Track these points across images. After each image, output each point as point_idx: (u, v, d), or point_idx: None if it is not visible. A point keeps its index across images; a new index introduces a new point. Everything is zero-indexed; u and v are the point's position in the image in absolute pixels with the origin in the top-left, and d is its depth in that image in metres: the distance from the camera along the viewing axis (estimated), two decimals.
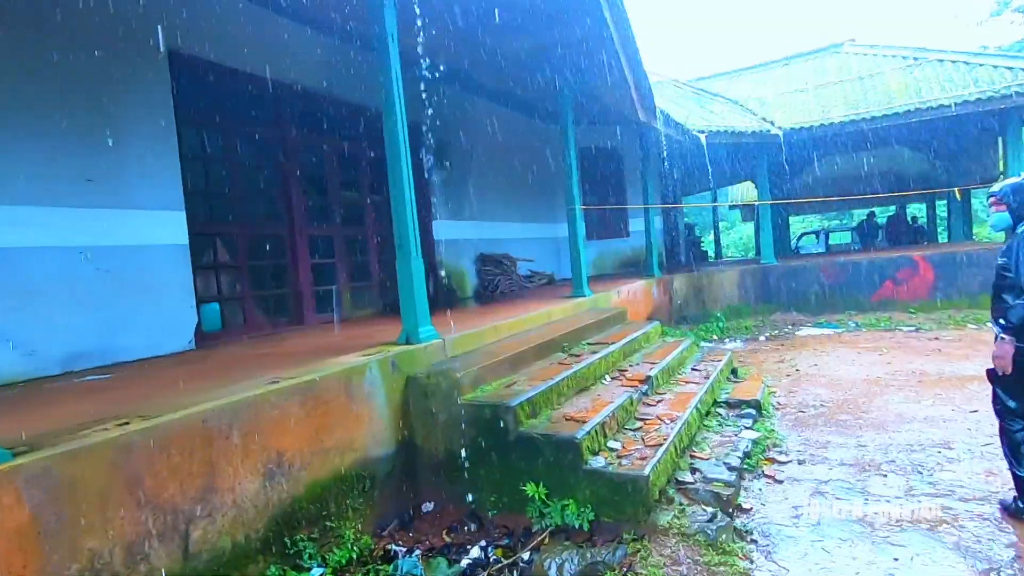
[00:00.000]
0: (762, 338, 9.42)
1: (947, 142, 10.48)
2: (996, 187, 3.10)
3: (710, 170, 10.47)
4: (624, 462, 3.28)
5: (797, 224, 31.38)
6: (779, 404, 5.35)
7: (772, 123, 10.15)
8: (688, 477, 3.48)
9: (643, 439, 3.62)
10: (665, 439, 3.56)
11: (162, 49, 4.60)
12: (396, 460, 3.55)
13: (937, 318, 9.22)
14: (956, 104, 8.91)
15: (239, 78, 5.26)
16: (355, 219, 6.77)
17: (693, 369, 5.55)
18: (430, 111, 7.91)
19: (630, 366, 5.10)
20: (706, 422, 4.47)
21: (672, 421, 3.90)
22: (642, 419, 3.99)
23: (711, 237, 20.37)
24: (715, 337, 9.67)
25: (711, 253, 18.39)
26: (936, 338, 8.04)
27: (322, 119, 6.32)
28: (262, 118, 5.66)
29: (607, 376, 4.76)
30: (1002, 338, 2.90)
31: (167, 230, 4.58)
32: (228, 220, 5.35)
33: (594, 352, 4.95)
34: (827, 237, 21.06)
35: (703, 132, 9.05)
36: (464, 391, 3.59)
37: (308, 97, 5.99)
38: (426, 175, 7.94)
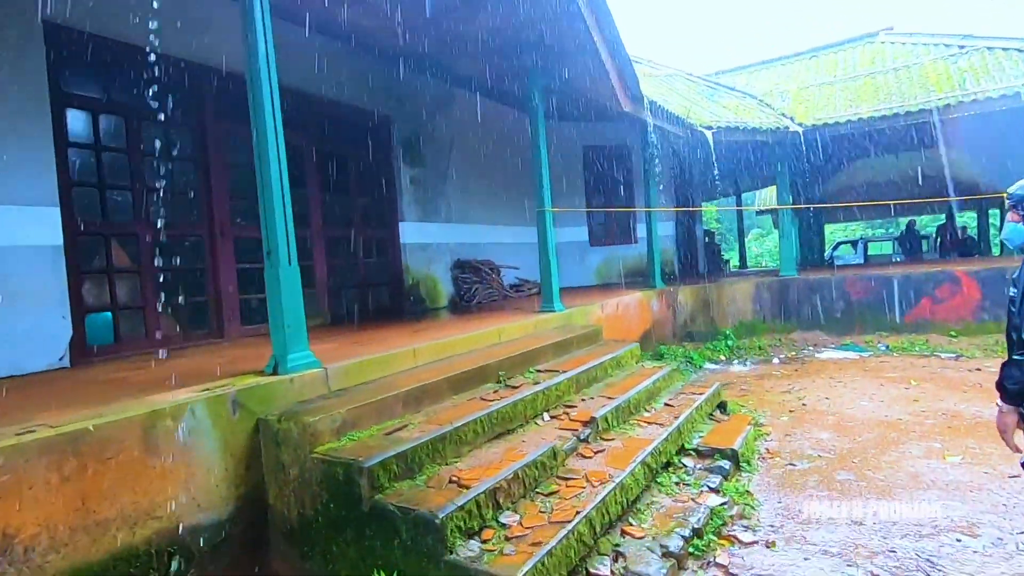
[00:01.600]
0: (775, 360, 8.35)
1: (998, 141, 9.19)
2: (1014, 188, 2.13)
3: (716, 170, 9.43)
4: (507, 550, 2.43)
5: (839, 232, 29.63)
6: (767, 452, 4.38)
7: (792, 119, 9.06)
8: (604, 568, 2.61)
9: (552, 510, 2.77)
10: (579, 512, 2.70)
11: (36, 18, 4.00)
12: (233, 525, 2.79)
13: (982, 343, 7.98)
14: (1007, 96, 7.68)
15: (142, 56, 4.62)
16: (298, 219, 6.06)
17: (666, 404, 4.63)
18: (398, 101, 7.21)
19: (582, 400, 4.23)
20: (660, 479, 3.56)
21: (601, 483, 3.03)
22: (566, 478, 3.13)
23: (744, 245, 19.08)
24: (722, 357, 8.66)
25: (735, 262, 17.18)
26: (978, 368, 6.86)
27: None
28: (176, 103, 5.01)
29: (546, 414, 3.91)
30: (999, 406, 2.00)
31: (33, 229, 3.95)
32: (128, 218, 4.73)
33: (536, 383, 4.11)
34: (866, 247, 19.54)
35: (710, 128, 8.06)
36: (321, 440, 2.80)
37: (235, 81, 5.33)
38: (393, 172, 7.24)
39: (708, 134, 8.03)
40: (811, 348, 8.87)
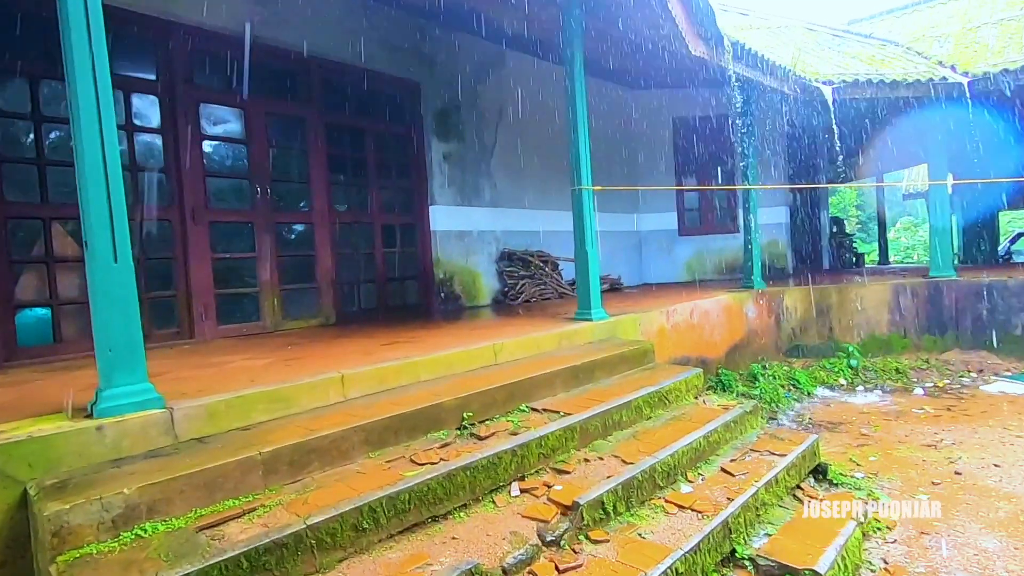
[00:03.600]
0: (918, 391, 6.24)
1: None
2: None
3: (838, 139, 7.30)
4: None
5: (1018, 221, 24.24)
6: (884, 571, 2.75)
7: (952, 68, 6.71)
8: None
9: None
10: None
11: None
12: None
13: None
14: None
15: None
16: (296, 201, 5.26)
17: (722, 469, 3.13)
18: (430, 65, 6.14)
19: (584, 462, 2.89)
20: None
21: None
22: None
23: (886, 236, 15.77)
24: (841, 382, 6.68)
25: (872, 257, 14.26)
26: None
27: (250, 71, 4.87)
28: (138, 65, 4.33)
29: (516, 486, 2.63)
30: None
31: None
32: (76, 200, 4.08)
33: (516, 432, 2.85)
34: None
35: (829, 83, 6.10)
36: (77, 538, 1.79)
37: (218, 40, 4.55)
38: (422, 147, 6.20)
39: (826, 91, 6.08)
40: (972, 376, 6.59)
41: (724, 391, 5.90)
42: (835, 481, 3.56)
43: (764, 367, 6.63)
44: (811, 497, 3.20)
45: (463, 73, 6.45)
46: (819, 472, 3.55)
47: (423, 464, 2.45)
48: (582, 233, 4.58)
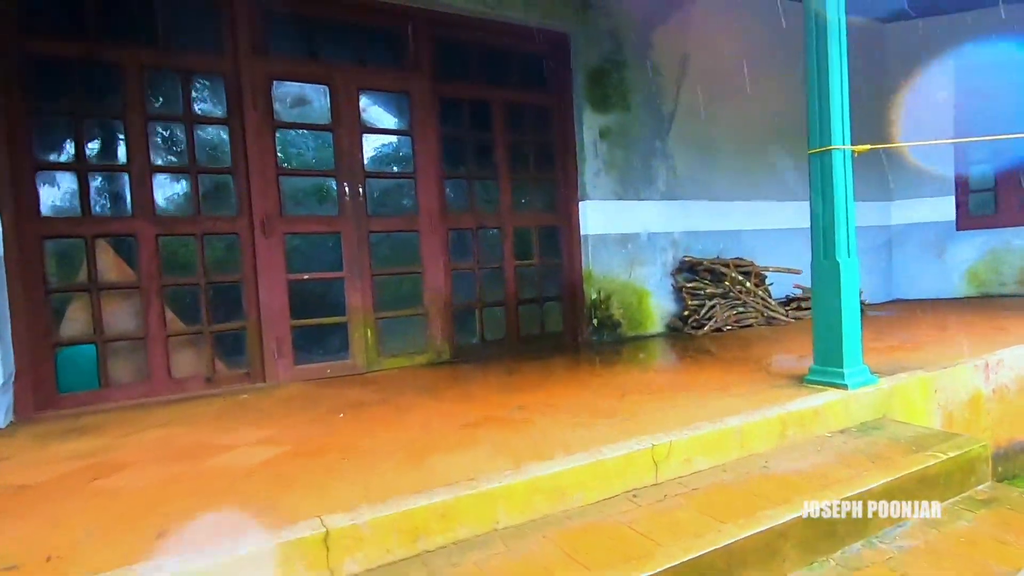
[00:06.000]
0: None
1: None
2: None
3: None
4: None
5: None
6: None
7: None
8: None
9: None
10: None
11: None
12: None
13: None
14: None
15: None
16: (397, 202, 4.04)
17: None
18: (584, 10, 4.56)
19: None
20: None
21: None
22: None
23: None
24: None
25: None
26: None
27: (337, 33, 3.80)
28: (189, 35, 3.45)
29: None
30: None
31: None
32: (125, 211, 3.31)
33: None
34: None
35: None
36: None
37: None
38: (570, 123, 4.63)
39: None
40: None
41: None
42: None
43: None
44: None
45: (630, 15, 4.72)
46: None
47: None
48: (829, 229, 2.55)
